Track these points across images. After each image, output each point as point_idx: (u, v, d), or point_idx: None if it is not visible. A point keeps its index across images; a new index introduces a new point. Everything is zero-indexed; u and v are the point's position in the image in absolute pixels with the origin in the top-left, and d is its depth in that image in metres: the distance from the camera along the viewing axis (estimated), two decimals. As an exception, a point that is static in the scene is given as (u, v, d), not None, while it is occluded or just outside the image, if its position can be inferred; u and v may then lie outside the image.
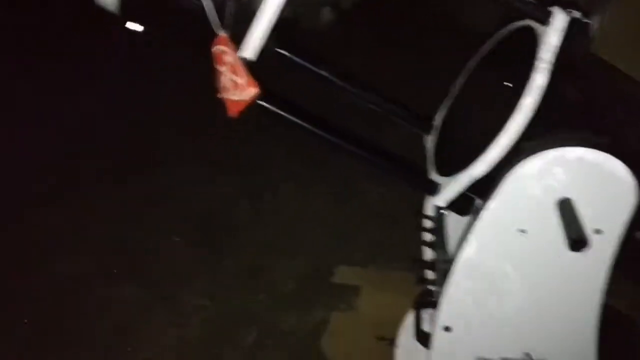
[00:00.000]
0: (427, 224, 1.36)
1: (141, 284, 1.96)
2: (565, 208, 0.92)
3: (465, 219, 1.21)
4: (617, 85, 1.09)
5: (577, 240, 0.87)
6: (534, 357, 1.15)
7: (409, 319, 1.61)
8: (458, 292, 1.08)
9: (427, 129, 1.26)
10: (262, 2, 0.84)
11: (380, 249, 2.09)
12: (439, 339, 1.14)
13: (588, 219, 0.91)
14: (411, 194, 1.25)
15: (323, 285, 1.91)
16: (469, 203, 1.10)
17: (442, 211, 1.14)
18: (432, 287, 1.31)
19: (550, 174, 0.92)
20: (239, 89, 0.86)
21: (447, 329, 1.12)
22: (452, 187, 1.04)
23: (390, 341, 1.59)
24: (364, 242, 2.14)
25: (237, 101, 0.87)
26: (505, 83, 1.08)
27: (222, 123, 1.04)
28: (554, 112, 0.95)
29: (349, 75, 1.19)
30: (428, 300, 1.34)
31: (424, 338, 1.39)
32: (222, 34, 0.86)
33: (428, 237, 1.34)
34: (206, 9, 0.84)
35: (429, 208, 1.36)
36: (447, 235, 1.27)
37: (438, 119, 1.27)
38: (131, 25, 0.95)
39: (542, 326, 1.12)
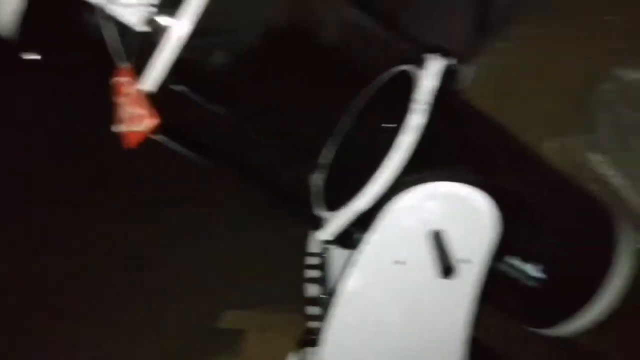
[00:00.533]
0: (312, 260, 1.41)
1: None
2: (436, 239, 0.99)
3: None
4: (488, 128, 1.21)
5: (446, 268, 0.94)
6: (410, 386, 1.21)
7: None
8: (340, 325, 1.10)
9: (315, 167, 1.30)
10: (165, 35, 0.84)
11: (267, 290, 2.09)
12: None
13: (457, 248, 0.98)
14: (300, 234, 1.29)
15: (208, 331, 1.87)
16: (352, 237, 1.14)
17: (326, 246, 1.18)
18: (315, 325, 1.34)
19: (424, 207, 0.98)
20: (138, 121, 0.85)
21: (328, 363, 1.14)
22: (336, 221, 1.07)
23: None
24: (251, 283, 2.14)
25: (135, 133, 0.86)
26: (384, 125, 1.16)
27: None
28: (430, 150, 1.02)
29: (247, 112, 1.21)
30: (311, 338, 1.36)
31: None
32: (124, 65, 0.85)
33: (312, 273, 1.38)
34: (107, 39, 0.82)
35: (314, 245, 1.41)
36: (332, 271, 1.31)
37: (325, 157, 1.31)
38: (27, 55, 0.91)
39: (418, 355, 1.17)
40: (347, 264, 1.07)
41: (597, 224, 1.25)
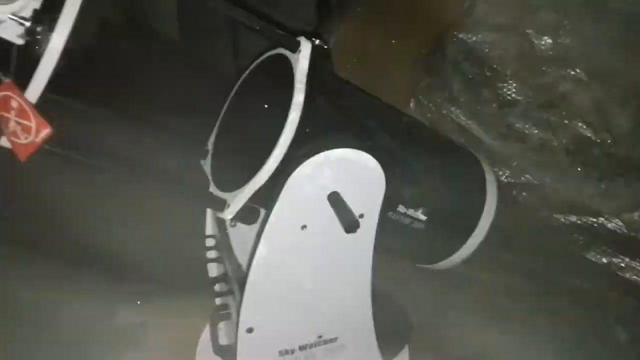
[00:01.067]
0: (209, 242, 1.47)
1: None
2: (335, 200, 1.11)
3: (245, 230, 1.36)
4: (359, 97, 1.34)
5: (350, 223, 1.06)
6: (325, 337, 1.33)
7: (203, 340, 1.69)
8: (256, 293, 1.19)
9: (204, 153, 1.36)
10: (46, 47, 0.85)
11: (159, 281, 2.11)
12: (242, 341, 1.23)
13: (353, 206, 1.11)
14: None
15: (107, 328, 1.86)
16: (253, 212, 1.23)
17: (231, 224, 1.25)
18: (225, 300, 1.42)
19: (320, 174, 1.09)
20: (27, 133, 0.86)
21: (249, 330, 1.21)
22: (238, 199, 1.15)
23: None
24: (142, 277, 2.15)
25: (26, 145, 0.86)
26: (265, 105, 1.25)
27: None
28: (315, 123, 1.13)
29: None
30: (223, 313, 1.44)
31: (224, 351, 1.49)
32: (7, 79, 0.85)
33: (212, 254, 1.46)
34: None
35: (209, 227, 1.49)
36: (231, 249, 1.39)
37: (210, 143, 1.38)
38: None
39: (329, 309, 1.28)
40: (257, 235, 1.15)
41: (465, 168, 1.45)
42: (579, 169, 1.68)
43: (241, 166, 1.19)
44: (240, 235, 1.40)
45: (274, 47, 1.25)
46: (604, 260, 1.70)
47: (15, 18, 0.82)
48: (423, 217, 1.31)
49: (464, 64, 1.71)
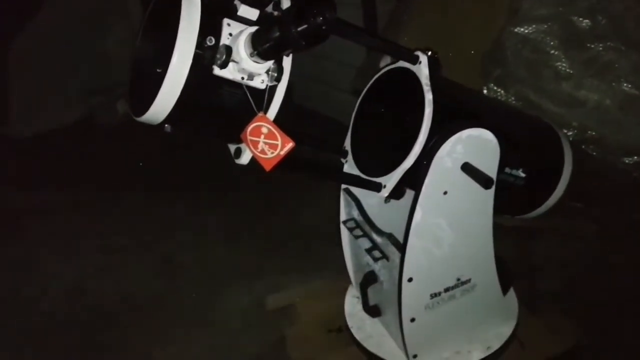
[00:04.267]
0: (351, 224, 1.83)
1: None
2: (468, 168, 1.48)
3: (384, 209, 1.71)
4: (464, 89, 1.72)
5: (487, 180, 1.43)
6: (462, 279, 1.69)
7: (347, 306, 2.04)
8: (412, 250, 1.54)
9: (344, 153, 1.73)
10: (275, 89, 1.25)
11: (296, 268, 2.50)
12: (405, 290, 1.58)
13: (480, 169, 1.48)
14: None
15: (264, 315, 2.21)
16: (400, 190, 1.59)
17: (385, 201, 1.62)
18: (375, 267, 1.77)
19: (454, 150, 1.46)
20: (274, 149, 1.22)
21: (410, 280, 1.57)
22: (393, 179, 1.51)
23: (338, 328, 1.98)
24: (277, 269, 2.54)
25: (271, 158, 1.22)
26: (397, 106, 1.60)
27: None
28: (442, 112, 1.47)
29: None
30: (372, 278, 1.80)
31: (373, 310, 1.85)
32: (260, 114, 1.23)
33: (357, 232, 1.81)
34: (250, 97, 1.22)
35: (343, 214, 1.84)
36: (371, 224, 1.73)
37: (347, 144, 1.74)
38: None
39: (465, 255, 1.64)
40: (412, 205, 1.51)
41: (544, 132, 1.82)
42: (632, 120, 2.06)
43: (386, 155, 1.56)
44: (378, 214, 1.77)
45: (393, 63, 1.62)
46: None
47: (270, 72, 1.21)
48: (523, 175, 1.66)
49: (524, 51, 2.10)
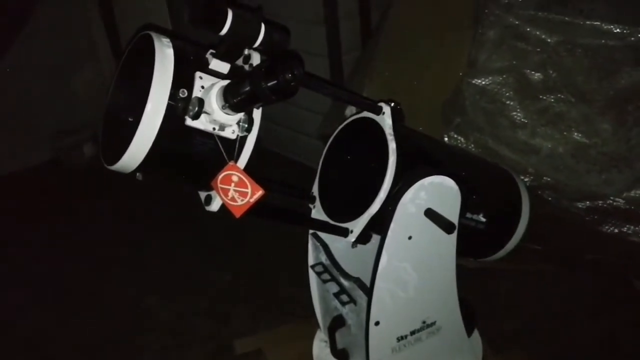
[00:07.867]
0: (318, 268, 1.87)
1: None
2: (431, 213, 1.54)
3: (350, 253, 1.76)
4: (422, 137, 1.80)
5: (449, 225, 1.49)
6: (428, 322, 1.73)
7: (315, 350, 2.05)
8: (379, 293, 1.59)
9: (311, 198, 1.78)
10: (246, 139, 1.30)
11: (263, 312, 2.52)
12: (372, 333, 1.61)
13: (442, 214, 1.55)
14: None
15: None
16: (366, 235, 1.64)
17: (353, 246, 1.67)
18: (342, 311, 1.80)
19: (418, 197, 1.53)
20: (244, 196, 1.25)
21: (377, 323, 1.61)
22: (360, 224, 1.56)
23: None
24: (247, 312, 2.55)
25: (241, 205, 1.26)
26: (361, 155, 1.66)
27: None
28: (404, 160, 1.54)
29: None
30: (340, 322, 1.84)
31: (341, 354, 1.88)
32: (231, 162, 1.27)
33: (325, 276, 1.84)
34: (221, 147, 1.26)
35: (311, 258, 1.88)
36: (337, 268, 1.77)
37: (314, 190, 1.80)
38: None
39: (429, 297, 1.69)
40: (378, 249, 1.56)
41: (503, 178, 1.92)
42: (583, 167, 2.18)
43: (353, 201, 1.62)
44: (345, 258, 1.81)
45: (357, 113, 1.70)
46: (615, 230, 2.17)
47: (240, 123, 1.26)
48: (483, 219, 1.75)
49: (481, 102, 2.21)
